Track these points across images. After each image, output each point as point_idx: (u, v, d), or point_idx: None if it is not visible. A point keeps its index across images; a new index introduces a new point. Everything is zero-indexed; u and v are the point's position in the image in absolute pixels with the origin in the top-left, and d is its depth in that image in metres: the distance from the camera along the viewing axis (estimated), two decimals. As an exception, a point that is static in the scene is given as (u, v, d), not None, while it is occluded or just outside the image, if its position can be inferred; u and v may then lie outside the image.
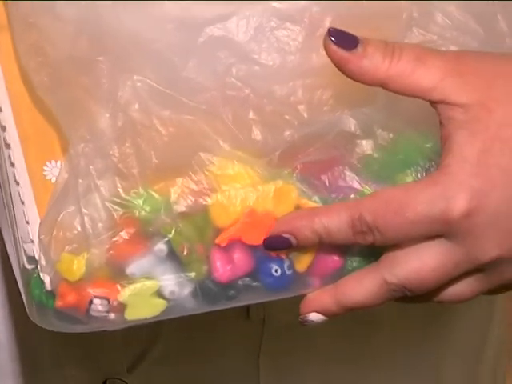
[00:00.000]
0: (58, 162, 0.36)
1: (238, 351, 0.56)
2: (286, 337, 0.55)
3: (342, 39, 0.34)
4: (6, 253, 0.40)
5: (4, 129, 0.36)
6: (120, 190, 0.33)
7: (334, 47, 0.34)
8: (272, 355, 0.56)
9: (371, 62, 0.34)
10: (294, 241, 0.35)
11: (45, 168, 0.36)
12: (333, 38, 0.34)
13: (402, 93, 0.34)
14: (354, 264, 0.36)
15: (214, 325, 0.54)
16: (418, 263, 0.34)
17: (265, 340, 0.55)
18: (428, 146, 0.36)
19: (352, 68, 0.34)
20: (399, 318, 0.58)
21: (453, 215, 0.33)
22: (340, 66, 0.34)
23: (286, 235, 0.35)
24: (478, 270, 0.35)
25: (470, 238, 0.34)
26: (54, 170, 0.36)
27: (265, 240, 0.35)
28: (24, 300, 0.36)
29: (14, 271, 0.38)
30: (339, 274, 0.36)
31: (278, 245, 0.35)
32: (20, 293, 0.37)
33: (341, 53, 0.34)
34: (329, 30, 0.35)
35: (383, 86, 0.34)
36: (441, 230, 0.34)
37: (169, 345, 0.56)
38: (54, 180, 0.35)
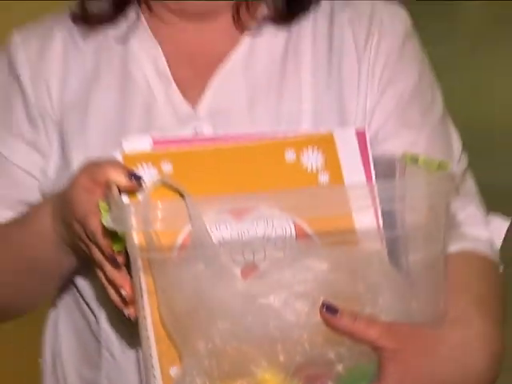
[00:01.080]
0: (177, 368, 0.67)
1: None
2: None
3: (330, 308, 0.65)
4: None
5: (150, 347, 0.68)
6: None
7: (324, 313, 0.65)
8: None
9: (344, 321, 0.65)
10: None
11: (171, 370, 0.66)
12: (325, 308, 0.65)
13: (358, 341, 0.65)
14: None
15: None
16: None
17: None
18: (372, 370, 0.66)
19: (334, 324, 0.65)
20: None
21: None
22: (327, 323, 0.65)
23: None
24: None
25: None
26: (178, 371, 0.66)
27: None
28: None
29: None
30: None
31: None
32: None
33: (328, 316, 0.65)
34: (322, 302, 0.65)
35: (350, 336, 0.65)
36: None
37: None
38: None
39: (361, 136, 0.81)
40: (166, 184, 0.73)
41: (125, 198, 0.73)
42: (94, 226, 0.70)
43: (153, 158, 0.75)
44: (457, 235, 0.87)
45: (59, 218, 0.80)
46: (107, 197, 0.72)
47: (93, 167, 0.76)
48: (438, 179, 0.72)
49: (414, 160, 0.77)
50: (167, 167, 0.75)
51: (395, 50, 0.94)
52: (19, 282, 0.93)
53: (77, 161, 0.89)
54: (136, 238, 0.68)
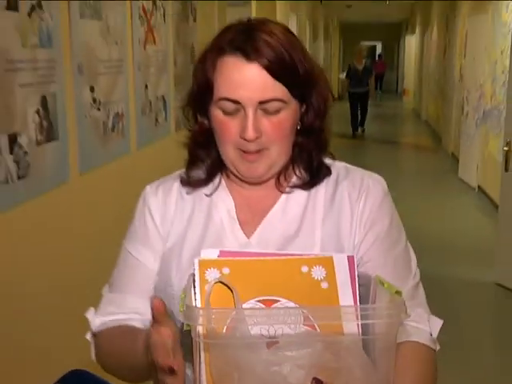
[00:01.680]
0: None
1: None
2: None
3: (317, 380, 0.76)
4: None
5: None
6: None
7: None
8: None
9: None
10: None
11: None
12: (314, 381, 0.76)
13: None
14: None
15: None
16: None
17: None
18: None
19: None
20: None
21: None
22: None
23: None
24: None
25: None
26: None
27: None
28: None
29: None
30: None
31: None
32: None
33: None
34: (312, 377, 0.76)
35: None
36: None
37: None
38: None
39: (350, 259, 0.94)
40: (222, 282, 0.88)
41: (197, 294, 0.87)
42: (160, 364, 0.83)
43: (217, 264, 0.90)
44: (407, 329, 1.00)
45: (145, 347, 0.92)
46: (185, 289, 0.86)
47: (157, 325, 0.85)
48: (395, 305, 0.84)
49: (382, 283, 0.90)
50: (226, 270, 0.89)
51: (376, 206, 1.09)
52: (126, 369, 1.08)
53: (174, 270, 1.07)
54: (200, 329, 0.81)
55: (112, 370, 1.13)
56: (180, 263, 1.06)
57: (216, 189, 1.13)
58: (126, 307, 1.11)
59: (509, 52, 5.02)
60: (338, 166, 1.14)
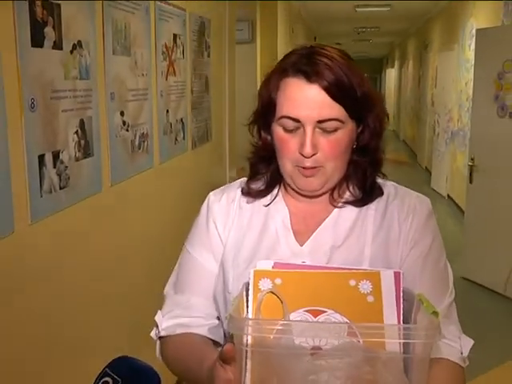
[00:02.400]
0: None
1: None
2: None
3: None
4: None
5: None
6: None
7: None
8: None
9: None
10: None
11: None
12: None
13: None
14: None
15: None
16: None
17: None
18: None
19: None
20: None
21: None
22: None
23: None
24: None
25: None
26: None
27: None
28: None
29: None
30: None
31: None
32: None
33: None
34: None
35: None
36: None
37: None
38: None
39: (397, 275, 0.85)
40: (273, 293, 0.80)
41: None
42: None
43: (271, 275, 0.83)
44: (439, 346, 0.90)
45: (208, 376, 0.82)
46: (236, 298, 0.79)
47: (224, 363, 0.75)
48: (432, 328, 0.75)
49: (421, 301, 0.81)
50: (278, 281, 0.82)
51: (421, 225, 1.00)
52: (189, 381, 1.00)
53: (231, 276, 0.98)
54: (248, 338, 0.73)
55: (176, 375, 1.04)
56: (237, 270, 0.98)
57: (273, 200, 1.04)
58: (191, 309, 1.02)
59: (471, 83, 5.03)
60: (388, 186, 1.06)
